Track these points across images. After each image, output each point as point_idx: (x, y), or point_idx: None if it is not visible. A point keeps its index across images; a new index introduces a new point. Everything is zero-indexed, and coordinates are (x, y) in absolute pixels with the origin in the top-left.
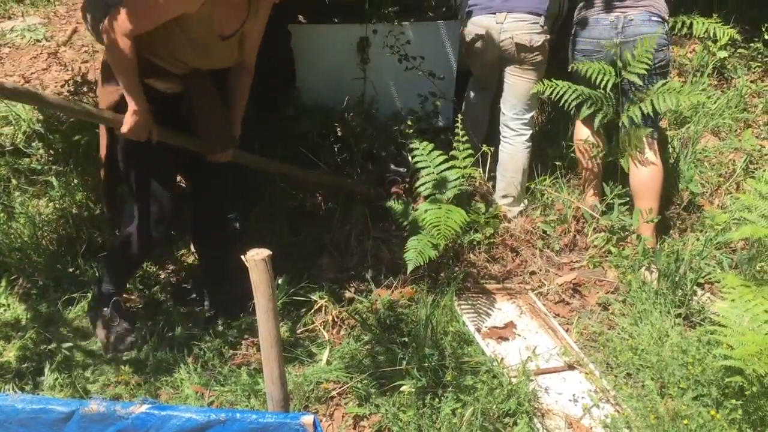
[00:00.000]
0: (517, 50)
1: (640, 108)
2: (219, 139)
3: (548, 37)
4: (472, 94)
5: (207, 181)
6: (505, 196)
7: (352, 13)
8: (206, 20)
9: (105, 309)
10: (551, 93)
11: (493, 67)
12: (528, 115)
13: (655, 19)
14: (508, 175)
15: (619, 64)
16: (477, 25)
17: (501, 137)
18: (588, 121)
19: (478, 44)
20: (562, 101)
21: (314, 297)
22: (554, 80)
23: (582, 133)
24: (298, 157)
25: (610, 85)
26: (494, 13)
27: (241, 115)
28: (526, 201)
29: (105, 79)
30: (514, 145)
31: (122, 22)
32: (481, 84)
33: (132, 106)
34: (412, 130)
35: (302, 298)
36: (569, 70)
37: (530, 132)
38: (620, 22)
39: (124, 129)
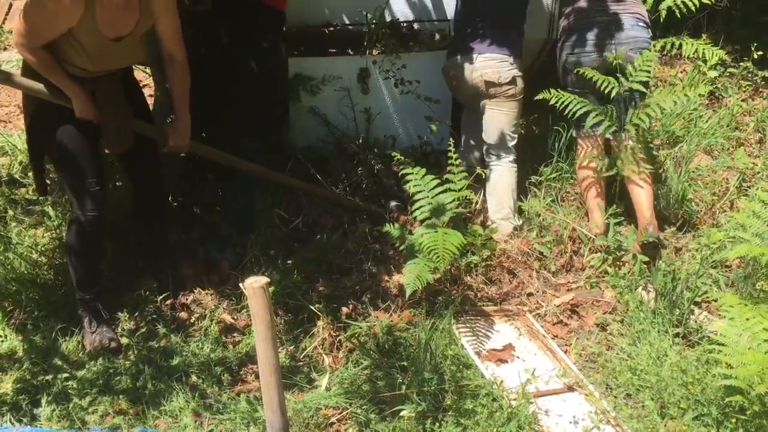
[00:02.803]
0: (486, 86)
1: (647, 113)
2: (117, 138)
3: (519, 72)
4: (466, 110)
5: (145, 170)
6: (498, 212)
7: (351, 44)
8: (91, 27)
9: (83, 315)
10: (557, 102)
11: (474, 99)
12: (510, 143)
13: (641, 24)
14: (498, 194)
15: (620, 67)
16: (453, 64)
17: (486, 162)
18: (588, 140)
19: (455, 82)
20: (567, 111)
21: (311, 312)
22: (560, 90)
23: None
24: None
25: (614, 93)
26: (467, 54)
27: (184, 105)
28: (519, 219)
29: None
30: (501, 166)
31: (18, 37)
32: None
33: (70, 95)
34: (404, 158)
35: (298, 322)
36: (572, 75)
37: (513, 155)
38: (612, 25)
39: (77, 114)
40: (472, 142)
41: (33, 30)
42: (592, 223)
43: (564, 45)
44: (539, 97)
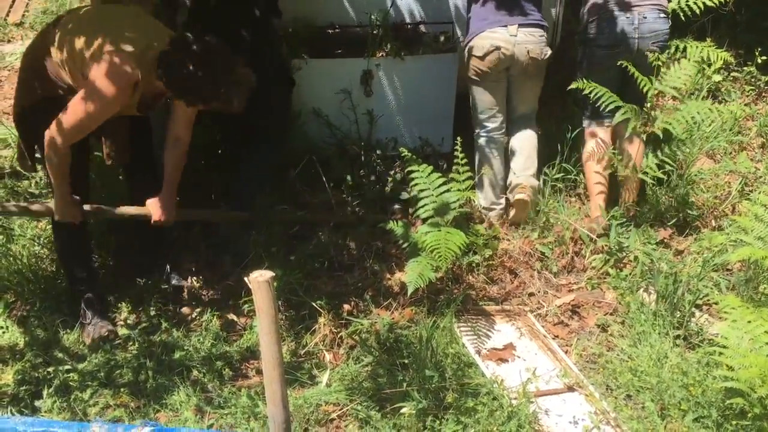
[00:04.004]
0: (531, 63)
1: (677, 119)
2: (118, 151)
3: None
4: (486, 150)
5: (142, 165)
6: (525, 170)
7: (355, 46)
8: (129, 104)
9: (82, 307)
10: (589, 92)
11: (502, 83)
12: (533, 114)
13: (662, 16)
14: (525, 152)
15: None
16: (490, 38)
17: (510, 134)
18: (602, 131)
19: (491, 57)
20: (599, 103)
21: (313, 309)
22: (593, 83)
23: (591, 147)
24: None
25: (651, 93)
26: (506, 26)
27: (173, 184)
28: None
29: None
30: (524, 131)
31: (59, 134)
32: (490, 120)
33: (57, 197)
34: (410, 155)
35: (300, 318)
36: (598, 66)
37: (535, 124)
38: (636, 18)
39: (57, 218)
40: (494, 176)
41: (81, 125)
42: (592, 218)
43: (590, 37)
44: (572, 86)
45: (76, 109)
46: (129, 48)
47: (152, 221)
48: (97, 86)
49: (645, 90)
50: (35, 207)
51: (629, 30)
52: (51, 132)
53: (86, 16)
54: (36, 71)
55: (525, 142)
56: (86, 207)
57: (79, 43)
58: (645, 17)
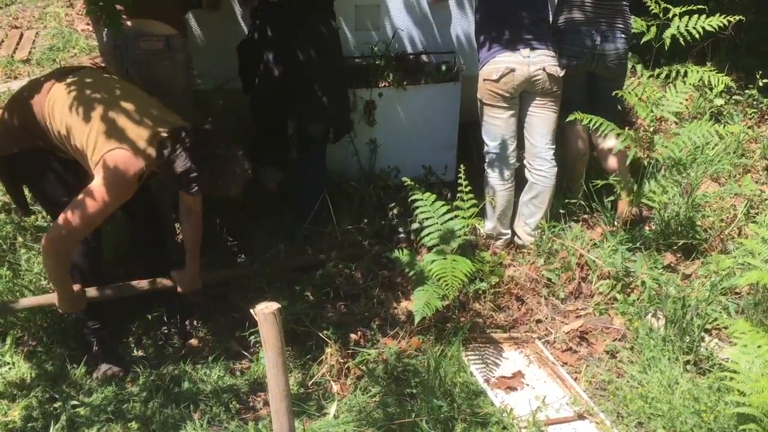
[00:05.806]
0: (548, 80)
1: (676, 143)
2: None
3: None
4: (496, 183)
5: (143, 211)
6: (537, 228)
7: (358, 77)
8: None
9: (91, 342)
10: (588, 122)
11: (515, 108)
12: (554, 146)
13: (623, 36)
14: (545, 207)
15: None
16: (504, 61)
17: (533, 170)
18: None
19: (506, 78)
20: (599, 132)
21: (319, 339)
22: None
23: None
24: None
25: (648, 120)
26: (518, 49)
27: (195, 255)
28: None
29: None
30: (549, 178)
31: (60, 240)
32: (501, 146)
33: (61, 294)
34: (413, 183)
35: (307, 349)
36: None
37: (557, 164)
38: (597, 36)
39: (62, 311)
40: (503, 208)
41: (90, 221)
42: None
43: (560, 45)
44: (570, 119)
45: (83, 207)
46: (139, 136)
47: (178, 291)
48: (107, 182)
49: (615, 95)
50: (45, 300)
51: (590, 45)
52: (55, 233)
53: (92, 91)
54: (12, 119)
55: (547, 196)
56: (96, 291)
57: (83, 119)
58: (607, 35)
